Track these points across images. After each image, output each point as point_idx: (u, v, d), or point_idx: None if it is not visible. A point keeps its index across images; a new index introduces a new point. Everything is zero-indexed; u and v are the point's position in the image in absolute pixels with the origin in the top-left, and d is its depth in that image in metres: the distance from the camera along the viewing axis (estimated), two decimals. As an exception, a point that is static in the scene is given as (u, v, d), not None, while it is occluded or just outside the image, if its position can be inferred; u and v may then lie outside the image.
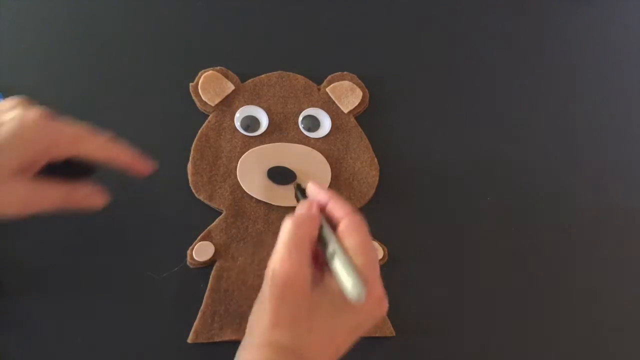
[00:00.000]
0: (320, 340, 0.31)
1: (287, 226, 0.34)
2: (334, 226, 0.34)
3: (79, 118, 0.38)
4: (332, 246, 0.32)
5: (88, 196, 0.37)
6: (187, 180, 0.46)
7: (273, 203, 0.46)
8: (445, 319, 0.45)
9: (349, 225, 0.33)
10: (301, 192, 0.41)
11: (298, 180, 0.46)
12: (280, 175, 0.46)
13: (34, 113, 0.32)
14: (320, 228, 0.34)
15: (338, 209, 0.35)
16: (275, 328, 0.31)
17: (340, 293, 0.31)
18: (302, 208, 0.36)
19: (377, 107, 0.52)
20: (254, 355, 0.31)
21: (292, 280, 0.31)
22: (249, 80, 0.51)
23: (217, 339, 0.41)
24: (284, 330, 0.31)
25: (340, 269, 0.31)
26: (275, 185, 0.46)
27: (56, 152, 0.34)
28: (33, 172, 0.33)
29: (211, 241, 0.44)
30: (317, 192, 0.37)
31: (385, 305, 0.34)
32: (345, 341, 0.33)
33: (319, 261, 0.35)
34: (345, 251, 0.32)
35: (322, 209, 0.36)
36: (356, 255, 0.32)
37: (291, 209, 0.45)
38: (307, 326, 0.31)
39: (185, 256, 0.43)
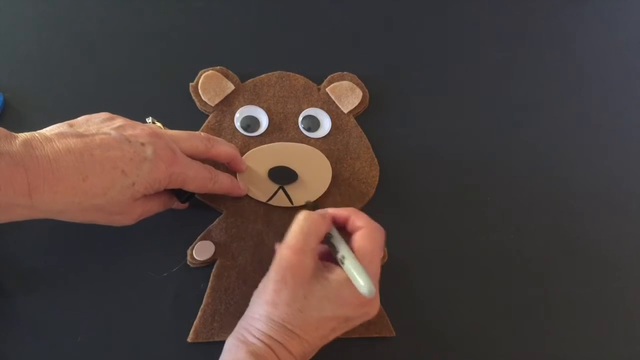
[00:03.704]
0: (309, 321, 0.35)
1: (300, 218, 0.38)
2: (351, 234, 0.39)
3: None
4: (342, 252, 0.37)
5: (179, 204, 0.44)
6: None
7: (273, 203, 0.46)
8: (445, 319, 0.45)
9: (364, 234, 0.38)
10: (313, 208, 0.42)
11: (307, 200, 0.46)
12: (281, 175, 0.46)
13: (164, 155, 0.37)
14: (331, 235, 0.38)
15: (359, 219, 0.39)
16: (271, 305, 0.35)
17: (335, 287, 0.35)
18: (315, 213, 0.39)
19: (377, 107, 0.52)
20: (248, 327, 0.36)
21: (295, 267, 0.35)
22: (249, 80, 0.51)
23: (217, 339, 0.41)
24: (278, 309, 0.35)
25: (352, 270, 0.35)
26: (275, 186, 0.46)
27: (172, 186, 0.39)
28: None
29: (211, 240, 0.44)
30: (337, 209, 0.40)
31: (376, 307, 0.38)
32: (333, 328, 0.37)
33: (328, 259, 0.39)
34: (354, 255, 0.36)
35: (343, 222, 0.39)
36: (362, 260, 0.36)
37: (291, 209, 0.46)
38: (300, 308, 0.35)
39: (186, 256, 0.43)
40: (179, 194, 0.42)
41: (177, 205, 0.44)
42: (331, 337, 0.37)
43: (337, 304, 0.35)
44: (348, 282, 0.35)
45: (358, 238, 0.37)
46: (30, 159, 0.32)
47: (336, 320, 0.36)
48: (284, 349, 0.35)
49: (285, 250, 0.36)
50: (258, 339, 0.35)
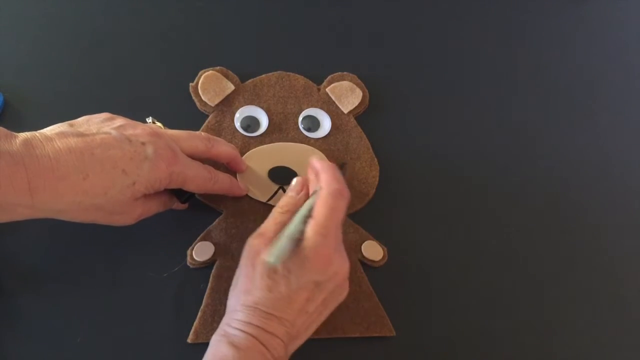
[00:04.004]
0: (279, 298, 0.36)
1: (275, 211, 0.40)
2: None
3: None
4: (292, 222, 0.37)
5: (179, 204, 0.44)
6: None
7: (273, 203, 0.46)
8: (445, 319, 0.45)
9: (323, 200, 0.37)
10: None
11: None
12: (281, 175, 0.46)
13: (164, 154, 0.37)
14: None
15: (321, 179, 0.38)
16: (244, 293, 0.37)
17: (292, 257, 0.36)
18: (294, 187, 0.42)
19: (377, 107, 0.52)
20: (228, 321, 0.37)
21: (262, 253, 0.37)
22: (249, 80, 0.51)
23: (217, 339, 0.41)
24: (251, 294, 0.36)
25: (281, 238, 0.36)
26: (275, 186, 0.46)
27: (172, 186, 0.39)
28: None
29: (211, 241, 0.44)
30: (317, 164, 0.40)
31: (343, 266, 0.38)
32: (307, 299, 0.36)
33: None
34: (300, 225, 0.36)
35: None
36: (317, 229, 0.36)
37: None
38: (269, 288, 0.36)
39: (186, 256, 0.43)
40: (179, 194, 0.42)
41: (177, 205, 0.44)
42: (311, 309, 0.37)
43: (299, 272, 0.36)
44: (302, 247, 0.36)
45: (318, 203, 0.37)
46: (30, 158, 0.32)
47: (306, 289, 0.36)
48: (265, 333, 0.35)
49: (254, 240, 0.38)
50: (238, 329, 0.35)
